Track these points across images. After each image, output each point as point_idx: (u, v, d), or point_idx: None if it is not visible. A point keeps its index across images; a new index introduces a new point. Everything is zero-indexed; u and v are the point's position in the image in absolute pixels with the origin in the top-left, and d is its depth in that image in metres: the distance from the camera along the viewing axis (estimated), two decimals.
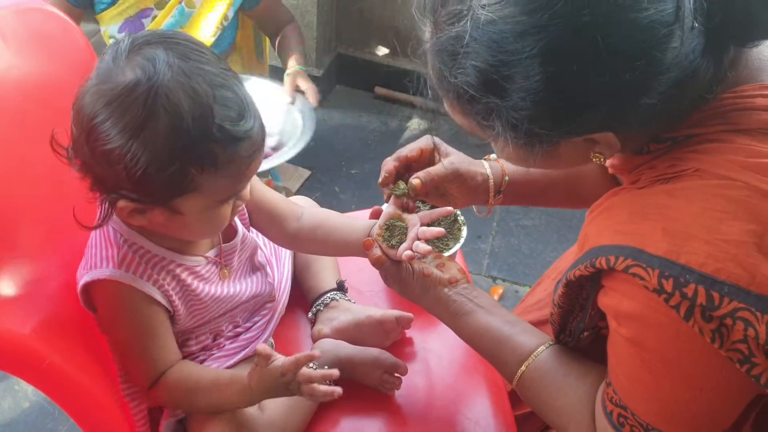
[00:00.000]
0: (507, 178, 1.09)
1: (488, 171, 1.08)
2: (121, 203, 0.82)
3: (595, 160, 0.75)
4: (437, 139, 1.07)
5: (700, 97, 0.70)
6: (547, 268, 2.09)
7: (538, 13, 0.63)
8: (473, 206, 1.13)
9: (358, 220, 1.09)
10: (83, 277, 0.90)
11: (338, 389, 0.90)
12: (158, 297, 0.92)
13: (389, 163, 1.04)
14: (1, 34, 0.93)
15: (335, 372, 0.94)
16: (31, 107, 0.96)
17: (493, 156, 1.12)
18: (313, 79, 2.54)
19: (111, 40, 1.65)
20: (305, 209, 1.11)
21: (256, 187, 1.05)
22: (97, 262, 0.90)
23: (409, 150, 1.05)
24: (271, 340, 1.15)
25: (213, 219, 0.88)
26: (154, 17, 1.68)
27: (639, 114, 0.69)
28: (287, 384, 0.88)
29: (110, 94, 0.77)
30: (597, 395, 0.82)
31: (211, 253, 1.00)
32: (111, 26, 1.68)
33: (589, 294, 0.80)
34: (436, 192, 1.07)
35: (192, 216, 0.85)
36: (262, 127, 0.84)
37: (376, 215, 1.05)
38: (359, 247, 1.02)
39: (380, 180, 1.04)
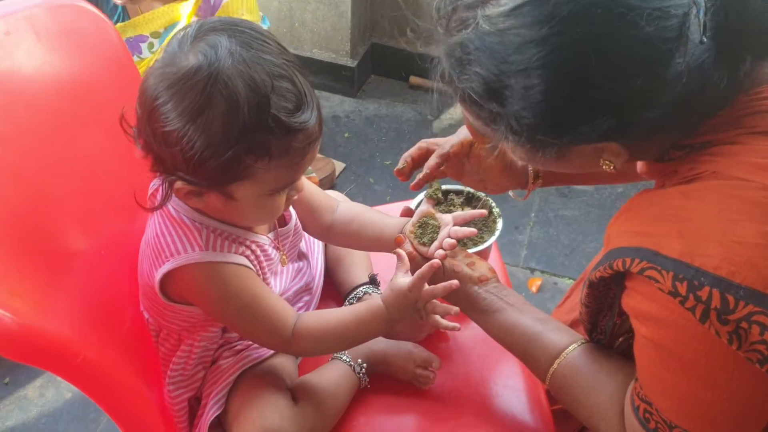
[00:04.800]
0: None
1: None
2: (178, 184, 0.84)
3: (605, 167, 0.74)
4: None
5: (714, 108, 0.69)
6: (586, 258, 2.06)
7: (538, 26, 0.64)
8: (510, 192, 1.11)
9: (391, 217, 1.10)
10: (166, 265, 0.90)
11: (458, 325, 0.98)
12: (248, 263, 0.94)
13: (432, 161, 1.05)
14: (34, 31, 0.94)
15: (455, 288, 0.94)
16: (65, 103, 0.97)
17: None
18: (347, 69, 2.56)
19: None
20: (340, 203, 1.13)
21: None
22: (179, 248, 0.90)
23: (450, 145, 1.05)
24: None
25: (267, 207, 0.89)
26: (150, 43, 1.75)
27: (642, 126, 0.68)
28: (415, 303, 0.93)
29: (172, 77, 0.79)
30: (626, 391, 0.81)
31: (271, 235, 1.01)
32: None
33: (616, 293, 0.80)
34: (476, 176, 1.06)
35: (246, 202, 0.87)
36: (319, 119, 0.85)
37: (406, 214, 1.07)
38: (391, 243, 1.03)
39: (402, 167, 1.06)
